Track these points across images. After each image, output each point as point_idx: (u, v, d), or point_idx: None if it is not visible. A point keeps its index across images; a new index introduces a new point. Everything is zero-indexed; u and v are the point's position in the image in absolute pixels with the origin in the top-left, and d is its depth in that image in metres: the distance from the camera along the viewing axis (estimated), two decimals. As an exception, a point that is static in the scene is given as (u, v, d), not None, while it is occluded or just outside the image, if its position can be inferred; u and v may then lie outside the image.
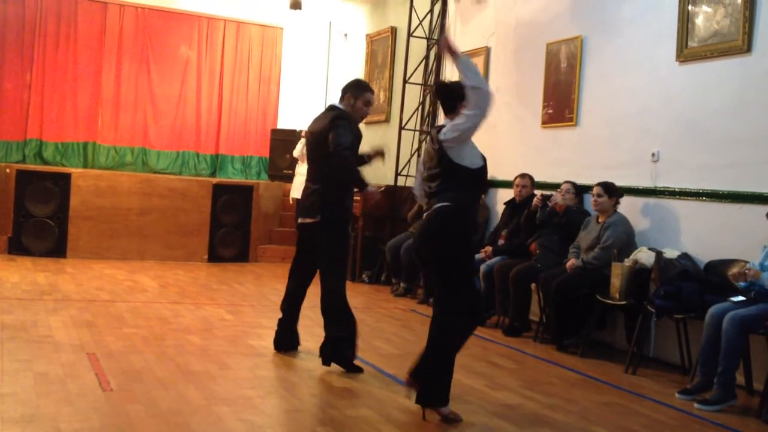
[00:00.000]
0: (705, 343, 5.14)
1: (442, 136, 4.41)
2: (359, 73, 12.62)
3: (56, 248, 9.99)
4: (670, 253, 6.03)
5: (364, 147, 5.69)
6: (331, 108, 5.54)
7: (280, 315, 5.79)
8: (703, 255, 6.03)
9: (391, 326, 6.97)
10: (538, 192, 7.48)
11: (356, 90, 5.48)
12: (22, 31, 12.14)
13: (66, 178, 10.13)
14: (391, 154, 9.72)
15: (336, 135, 5.21)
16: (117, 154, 12.75)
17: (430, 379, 4.34)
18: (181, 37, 13.13)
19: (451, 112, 4.52)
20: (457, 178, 4.42)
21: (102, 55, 12.59)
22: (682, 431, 4.55)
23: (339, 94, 5.58)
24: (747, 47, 5.84)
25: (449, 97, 4.57)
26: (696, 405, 5.01)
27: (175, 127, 13.14)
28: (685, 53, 6.38)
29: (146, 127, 12.97)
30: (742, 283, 5.12)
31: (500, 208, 8.23)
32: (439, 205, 4.41)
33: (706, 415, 4.86)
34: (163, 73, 13.03)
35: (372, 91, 5.58)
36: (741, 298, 5.12)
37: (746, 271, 5.05)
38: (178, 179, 11.21)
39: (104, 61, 12.60)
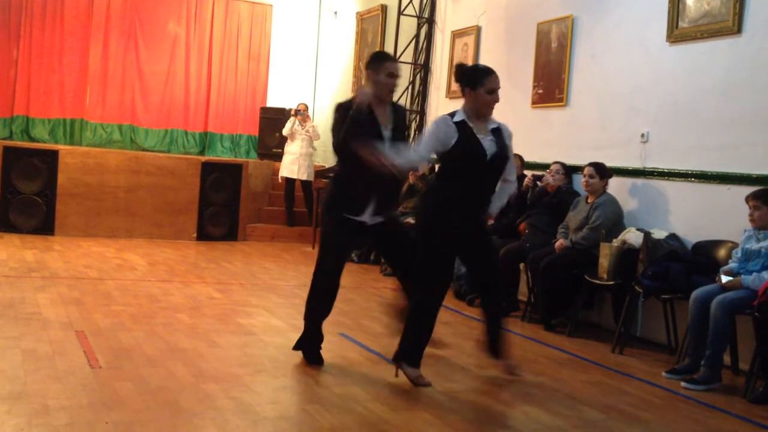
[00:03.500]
0: (691, 326, 5.19)
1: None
2: (349, 51, 12.57)
3: (44, 225, 9.94)
4: (658, 234, 6.06)
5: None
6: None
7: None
8: (691, 236, 6.06)
9: (379, 305, 6.98)
10: (528, 173, 7.48)
11: (374, 64, 4.96)
12: (9, 7, 12.00)
13: (53, 155, 10.07)
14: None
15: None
16: (104, 131, 12.66)
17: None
18: (169, 14, 13.01)
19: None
20: None
21: (89, 31, 12.47)
22: (668, 410, 4.58)
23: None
24: (737, 28, 5.83)
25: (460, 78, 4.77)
26: (683, 384, 5.05)
27: (163, 105, 13.06)
28: (676, 34, 6.37)
29: (134, 105, 12.89)
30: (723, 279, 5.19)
31: (489, 187, 8.22)
32: None
33: (693, 394, 4.91)
34: (151, 50, 12.92)
35: (392, 60, 5.08)
36: (729, 278, 5.15)
37: (726, 281, 5.13)
38: (167, 157, 11.15)
39: (92, 37, 12.48)
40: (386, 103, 4.95)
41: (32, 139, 11.94)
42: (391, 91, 4.94)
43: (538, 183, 7.15)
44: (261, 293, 7.29)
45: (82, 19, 12.43)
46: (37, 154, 10.04)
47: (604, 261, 6.12)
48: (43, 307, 5.92)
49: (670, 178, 6.37)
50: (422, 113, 10.17)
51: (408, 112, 5.24)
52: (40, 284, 6.80)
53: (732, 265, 5.26)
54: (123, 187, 10.39)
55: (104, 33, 12.57)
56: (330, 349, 5.34)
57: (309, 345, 5.05)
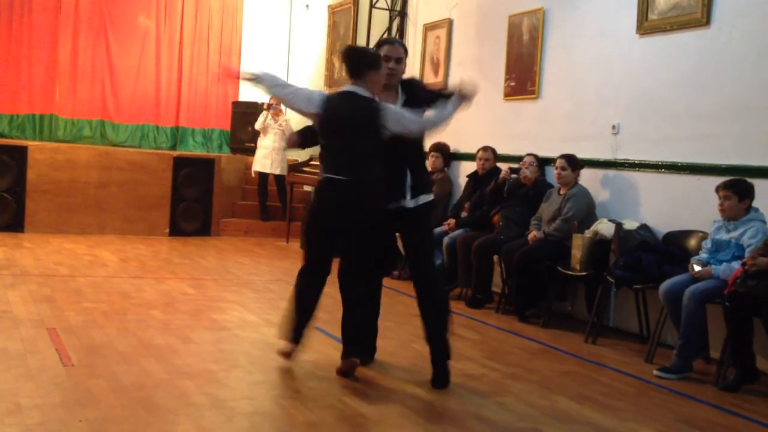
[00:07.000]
0: (672, 320, 5.26)
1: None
2: (321, 44, 12.52)
3: (13, 222, 9.82)
4: (630, 225, 6.11)
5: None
6: None
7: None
8: (662, 226, 6.12)
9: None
10: (504, 165, 7.49)
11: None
12: (-26, 1, 11.82)
13: (22, 151, 9.93)
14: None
15: None
16: (75, 126, 12.48)
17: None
18: (139, 7, 12.84)
19: (356, 76, 4.57)
20: None
21: (58, 24, 12.26)
22: (641, 399, 4.64)
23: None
24: (706, 20, 5.89)
25: (360, 61, 4.58)
26: (655, 372, 5.11)
27: (134, 99, 12.89)
28: (645, 26, 6.42)
29: (105, 99, 12.70)
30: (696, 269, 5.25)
31: (463, 180, 8.25)
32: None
33: (665, 383, 4.97)
34: (121, 44, 12.75)
35: (389, 43, 4.87)
36: (699, 268, 5.21)
37: (696, 271, 5.19)
38: (138, 152, 11.04)
39: (60, 31, 12.27)
40: (392, 88, 4.77)
41: (0, 135, 11.76)
42: (390, 74, 4.71)
43: (512, 176, 7.18)
44: (235, 288, 7.26)
45: (50, 13, 12.22)
46: (6, 151, 9.90)
47: (577, 252, 6.17)
48: (14, 304, 5.85)
49: (641, 169, 6.43)
50: (395, 106, 10.15)
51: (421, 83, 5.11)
52: (10, 282, 6.72)
53: (702, 255, 5.33)
54: (94, 182, 10.28)
55: (73, 27, 12.37)
56: (305, 343, 5.32)
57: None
